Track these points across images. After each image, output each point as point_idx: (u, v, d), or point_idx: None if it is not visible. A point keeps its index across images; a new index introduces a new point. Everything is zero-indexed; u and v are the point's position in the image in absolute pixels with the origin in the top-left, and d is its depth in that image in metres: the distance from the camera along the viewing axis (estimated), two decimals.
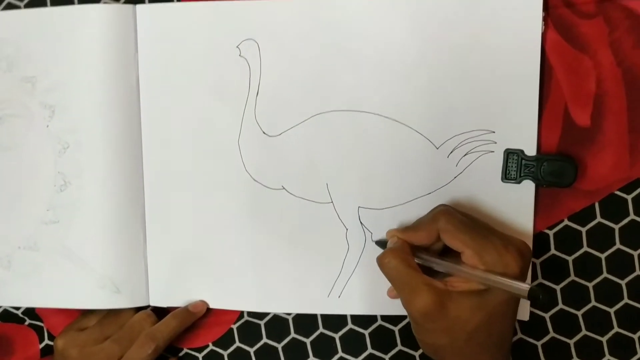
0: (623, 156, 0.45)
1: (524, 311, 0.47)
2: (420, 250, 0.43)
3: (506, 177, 0.46)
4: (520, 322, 0.48)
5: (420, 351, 0.49)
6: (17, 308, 0.53)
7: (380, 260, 0.42)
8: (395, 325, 0.49)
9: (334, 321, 0.50)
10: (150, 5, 0.49)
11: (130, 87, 0.49)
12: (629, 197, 0.46)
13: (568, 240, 0.47)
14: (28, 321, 0.54)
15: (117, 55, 0.48)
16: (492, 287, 0.39)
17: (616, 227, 0.46)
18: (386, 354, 0.50)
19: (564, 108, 0.46)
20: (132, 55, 0.49)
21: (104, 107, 0.48)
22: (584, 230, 0.46)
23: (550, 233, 0.47)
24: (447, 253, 0.43)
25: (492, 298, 0.39)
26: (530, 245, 0.45)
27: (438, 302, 0.39)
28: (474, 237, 0.40)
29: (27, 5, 0.51)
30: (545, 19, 0.45)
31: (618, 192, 0.46)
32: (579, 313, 0.47)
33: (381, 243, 0.46)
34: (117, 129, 0.49)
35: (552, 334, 0.48)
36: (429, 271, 0.41)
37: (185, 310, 0.50)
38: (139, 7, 0.49)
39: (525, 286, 0.37)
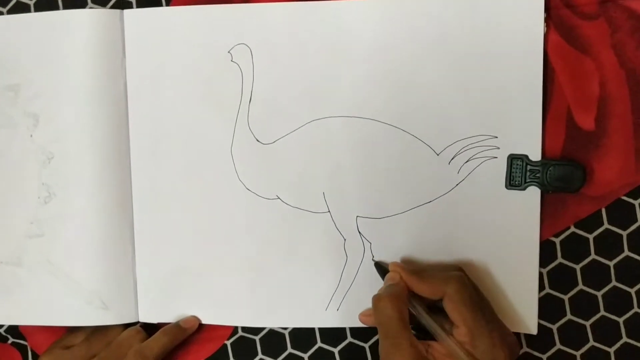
0: (629, 160, 0.44)
1: (532, 325, 0.45)
2: (415, 298, 0.42)
3: (510, 183, 0.44)
4: (527, 336, 0.46)
5: None
6: (0, 326, 0.52)
7: (375, 303, 0.41)
8: None
9: (333, 334, 0.48)
10: (138, 10, 0.48)
11: (118, 94, 0.47)
12: (636, 203, 0.45)
13: (575, 247, 0.45)
14: (11, 339, 0.52)
15: (104, 62, 0.47)
16: None
17: (624, 233, 0.45)
18: None
19: (567, 111, 0.45)
20: (120, 62, 0.47)
21: (90, 116, 0.47)
22: (591, 237, 0.45)
23: (557, 241, 0.45)
24: (436, 308, 0.42)
25: None
26: (537, 258, 0.44)
27: None
28: (476, 318, 0.40)
29: (10, 11, 0.50)
30: (546, 21, 0.44)
31: (625, 198, 0.45)
32: (587, 323, 0.46)
33: (380, 268, 0.45)
34: (104, 138, 0.47)
35: (558, 346, 0.46)
36: (411, 317, 0.41)
37: (176, 326, 0.48)
38: (126, 11, 0.47)
39: None
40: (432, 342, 0.41)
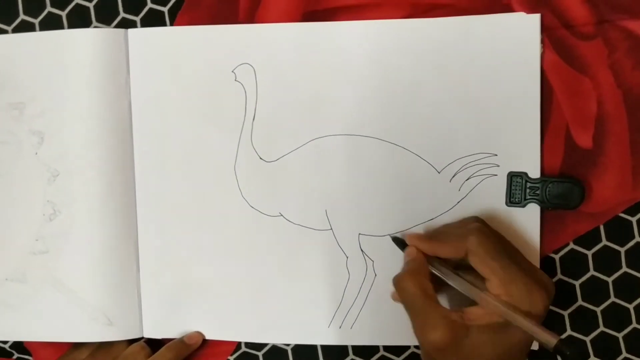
0: (626, 178, 0.45)
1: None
2: (440, 262, 0.41)
3: (510, 200, 0.45)
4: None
5: None
6: (5, 342, 0.52)
7: (397, 284, 0.40)
8: (399, 355, 0.48)
9: (335, 351, 0.49)
10: (143, 30, 0.48)
11: (122, 113, 0.48)
12: (634, 219, 0.45)
13: (574, 264, 0.46)
14: (16, 355, 0.52)
15: (109, 81, 0.47)
16: (512, 324, 0.37)
17: (622, 249, 0.45)
18: None
19: (565, 130, 0.45)
20: (124, 81, 0.48)
21: (95, 134, 0.47)
22: (589, 253, 0.46)
23: (556, 257, 0.46)
24: (462, 267, 0.41)
25: (511, 335, 0.38)
26: None
27: (453, 337, 0.37)
28: (504, 266, 0.38)
29: (14, 30, 0.50)
30: (543, 41, 0.44)
31: (622, 215, 0.45)
32: (588, 339, 0.46)
33: (398, 241, 0.45)
34: (108, 156, 0.47)
35: None
36: (435, 280, 0.40)
37: (181, 342, 0.48)
38: (130, 31, 0.48)
39: (553, 339, 0.36)
40: (465, 308, 0.39)
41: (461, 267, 0.41)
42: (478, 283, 0.39)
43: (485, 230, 0.41)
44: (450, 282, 0.40)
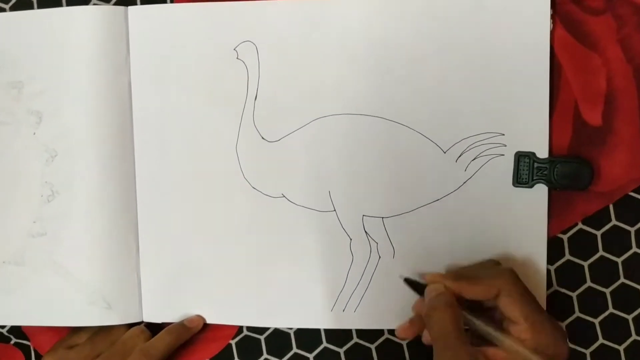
0: (636, 155, 0.44)
1: None
2: (462, 306, 0.40)
3: (518, 181, 0.44)
4: None
5: None
6: (3, 326, 0.51)
7: (430, 314, 0.39)
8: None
9: (339, 335, 0.48)
10: (143, 7, 0.47)
11: (122, 92, 0.47)
12: None
13: (583, 244, 0.45)
14: (14, 340, 0.51)
15: (108, 59, 0.47)
16: None
17: (632, 229, 0.45)
18: None
19: (574, 107, 0.44)
20: (124, 59, 0.47)
21: (94, 113, 0.47)
22: (598, 233, 0.45)
23: (565, 237, 0.45)
24: (479, 312, 0.40)
25: None
26: (544, 256, 0.44)
27: None
28: (536, 312, 0.38)
29: (12, 8, 0.49)
30: (552, 17, 0.43)
31: (632, 194, 0.44)
32: (596, 321, 0.45)
33: (413, 284, 0.43)
34: (108, 136, 0.47)
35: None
36: None
37: (181, 325, 0.48)
38: (130, 8, 0.47)
39: None
40: (484, 348, 0.39)
41: (476, 311, 0.40)
42: (501, 327, 0.39)
43: (516, 274, 0.40)
44: (473, 326, 0.39)
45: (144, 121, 0.47)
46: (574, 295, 0.46)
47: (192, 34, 0.47)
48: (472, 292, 0.40)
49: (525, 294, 0.39)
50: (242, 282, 0.47)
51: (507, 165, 0.44)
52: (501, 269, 0.41)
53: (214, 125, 0.47)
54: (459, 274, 0.42)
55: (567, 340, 0.39)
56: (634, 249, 0.45)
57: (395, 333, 0.44)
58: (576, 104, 0.44)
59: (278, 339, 0.48)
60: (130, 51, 0.47)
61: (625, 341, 0.45)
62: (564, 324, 0.46)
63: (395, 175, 0.45)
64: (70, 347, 0.47)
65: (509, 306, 0.38)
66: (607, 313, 0.45)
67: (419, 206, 0.45)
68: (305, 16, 0.46)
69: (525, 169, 0.44)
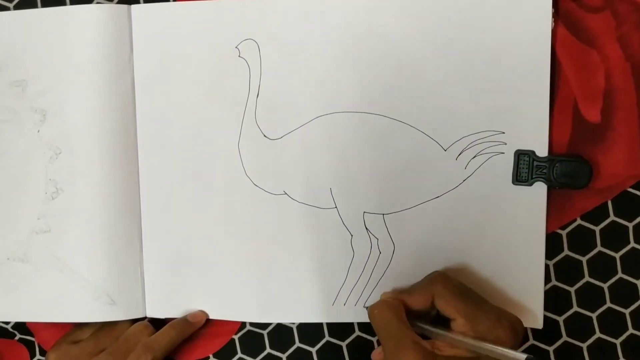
0: (635, 152, 0.44)
1: (537, 319, 0.45)
2: (414, 318, 0.42)
3: (517, 179, 0.44)
4: (533, 329, 0.46)
5: None
6: (7, 322, 0.52)
7: (371, 310, 0.42)
8: None
9: (341, 329, 0.48)
10: (146, 5, 0.47)
11: (125, 90, 0.47)
12: None
13: (581, 240, 0.46)
14: (18, 336, 0.52)
15: (111, 58, 0.47)
16: (481, 356, 0.38)
17: (630, 225, 0.45)
18: None
19: (573, 104, 0.45)
20: (127, 57, 0.47)
21: (97, 112, 0.47)
22: (597, 229, 0.45)
23: (563, 233, 0.46)
24: (440, 322, 0.42)
25: None
26: (543, 253, 0.45)
27: None
28: (468, 305, 0.40)
29: (16, 7, 0.49)
30: (554, 16, 0.44)
31: (631, 190, 0.45)
32: (594, 315, 0.46)
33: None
34: (111, 133, 0.47)
35: (564, 338, 0.46)
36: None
37: (184, 320, 0.48)
38: (133, 7, 0.47)
39: (521, 355, 0.36)
40: (432, 341, 0.41)
41: (434, 323, 0.42)
42: (447, 329, 0.41)
43: (447, 275, 0.42)
44: (425, 333, 0.41)
45: (147, 119, 0.48)
46: (572, 290, 0.46)
47: (194, 32, 0.47)
48: (412, 301, 0.42)
49: (457, 291, 0.41)
50: (244, 278, 0.48)
51: (507, 164, 0.45)
52: (433, 275, 0.43)
53: (216, 123, 0.47)
54: (401, 289, 0.44)
55: (516, 332, 0.40)
56: (632, 244, 0.45)
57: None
58: (575, 101, 0.45)
59: (281, 333, 0.49)
60: (134, 49, 0.47)
61: (622, 335, 0.46)
62: (561, 318, 0.46)
63: (396, 173, 0.46)
64: (74, 343, 0.48)
65: (444, 306, 0.41)
66: (604, 307, 0.46)
67: (420, 203, 0.46)
68: (307, 14, 0.46)
69: (525, 167, 0.44)
